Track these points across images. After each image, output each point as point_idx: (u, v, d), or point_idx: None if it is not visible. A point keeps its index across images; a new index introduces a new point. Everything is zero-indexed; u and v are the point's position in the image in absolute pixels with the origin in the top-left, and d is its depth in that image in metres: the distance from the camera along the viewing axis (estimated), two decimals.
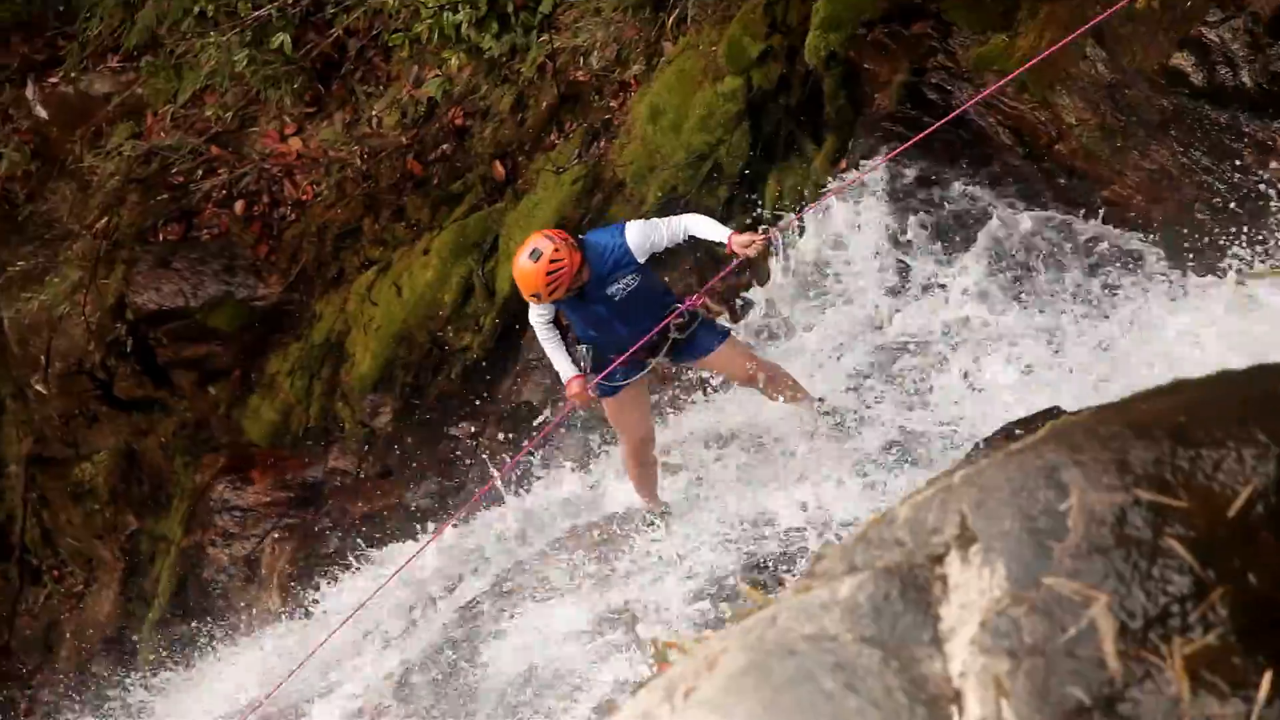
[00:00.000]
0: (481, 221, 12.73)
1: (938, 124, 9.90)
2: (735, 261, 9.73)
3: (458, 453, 12.07)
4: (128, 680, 13.37)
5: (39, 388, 14.98)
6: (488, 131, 13.12)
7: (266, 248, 13.98)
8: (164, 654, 13.26)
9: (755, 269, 11.08)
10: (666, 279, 10.49)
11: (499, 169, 12.96)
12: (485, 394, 11.95)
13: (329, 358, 13.32)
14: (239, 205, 14.16)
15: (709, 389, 11.08)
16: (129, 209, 14.51)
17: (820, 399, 10.25)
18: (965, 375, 10.16)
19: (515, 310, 12.15)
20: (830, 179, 10.89)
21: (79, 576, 15.05)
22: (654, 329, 9.60)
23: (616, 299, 9.45)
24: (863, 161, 10.79)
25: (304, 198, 13.91)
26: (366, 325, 13.00)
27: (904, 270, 10.74)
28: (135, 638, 13.93)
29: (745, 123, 11.54)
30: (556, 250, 9.18)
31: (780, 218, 10.81)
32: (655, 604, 9.65)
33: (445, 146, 13.35)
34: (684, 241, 9.70)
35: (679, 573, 9.83)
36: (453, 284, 12.59)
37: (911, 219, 10.71)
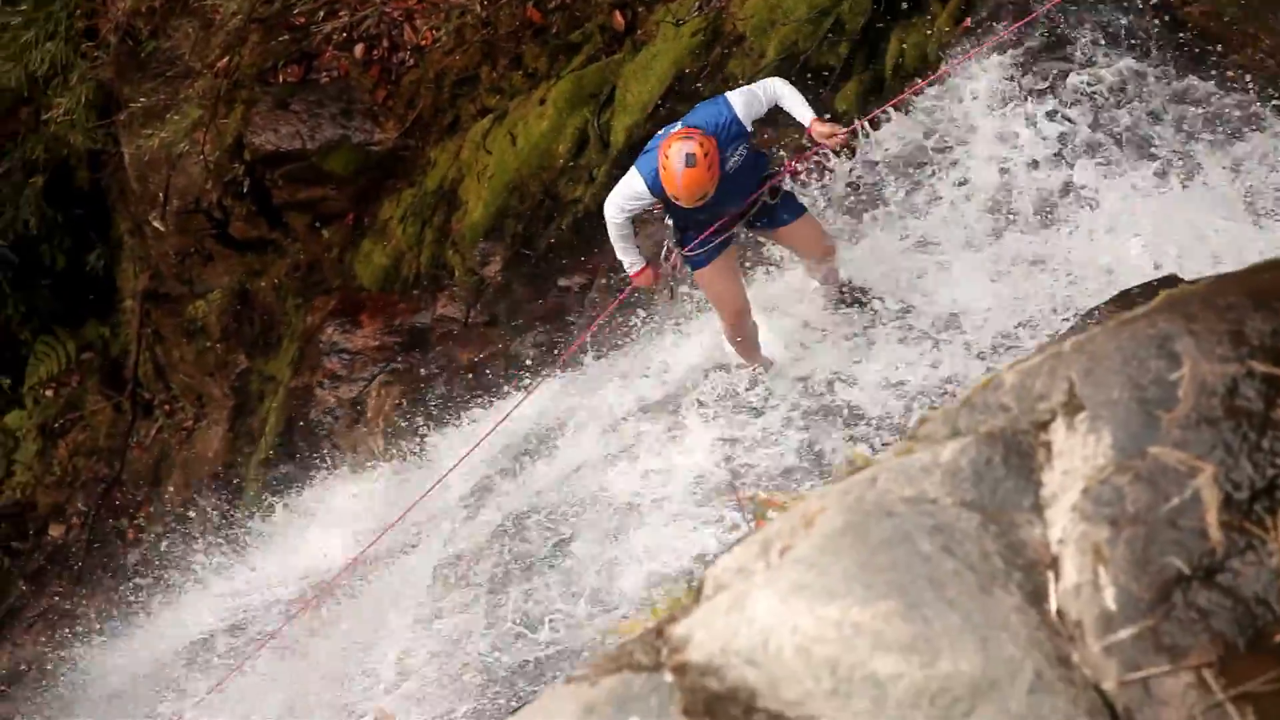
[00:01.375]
0: (599, 72, 12.62)
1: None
2: (814, 150, 9.60)
3: (566, 304, 12.08)
4: (233, 515, 13.64)
5: (156, 224, 15.15)
6: None
7: (384, 93, 13.97)
8: (269, 492, 13.48)
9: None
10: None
11: (619, 19, 12.82)
12: (596, 247, 11.90)
13: (441, 205, 13.33)
14: (359, 49, 14.13)
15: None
16: (250, 49, 14.53)
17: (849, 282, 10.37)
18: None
19: (628, 164, 12.08)
20: (953, 40, 10.69)
21: (189, 412, 15.30)
22: (754, 194, 9.53)
23: (730, 172, 9.26)
24: (993, 24, 10.59)
25: (423, 43, 13.85)
26: (480, 173, 12.98)
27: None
28: (241, 474, 14.16)
29: None
30: (702, 147, 8.95)
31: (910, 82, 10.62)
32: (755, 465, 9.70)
33: None
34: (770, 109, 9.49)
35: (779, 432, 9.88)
36: (568, 134, 12.53)
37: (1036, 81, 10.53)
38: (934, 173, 10.69)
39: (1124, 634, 2.96)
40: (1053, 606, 3.05)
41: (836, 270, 10.28)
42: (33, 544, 15.67)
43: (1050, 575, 3.10)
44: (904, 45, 11.08)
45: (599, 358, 11.54)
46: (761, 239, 10.49)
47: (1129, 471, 3.15)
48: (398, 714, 9.70)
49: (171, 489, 14.96)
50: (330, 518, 12.40)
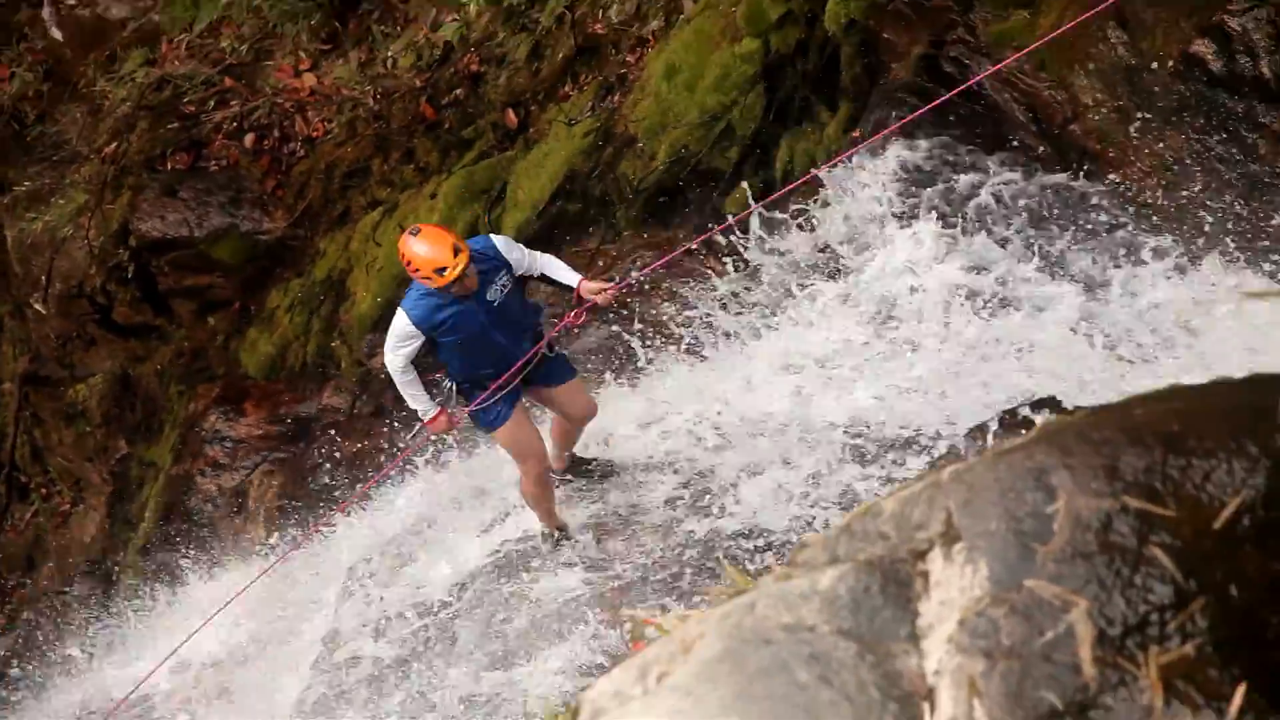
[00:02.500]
0: (491, 169, 12.68)
1: (952, 92, 9.89)
2: (585, 305, 9.57)
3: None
4: (108, 604, 13.42)
5: (38, 307, 14.99)
6: (502, 79, 13.07)
7: (274, 182, 13.95)
8: (145, 580, 13.29)
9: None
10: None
11: (511, 117, 12.91)
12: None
13: (329, 295, 13.30)
14: (249, 138, 14.13)
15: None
16: (138, 135, 14.48)
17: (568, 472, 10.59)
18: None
19: None
20: (838, 146, 10.83)
21: (66, 496, 15.08)
22: (532, 348, 9.58)
23: (495, 303, 9.27)
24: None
25: (314, 134, 13.87)
26: (369, 265, 12.97)
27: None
28: (119, 561, 13.95)
29: (760, 85, 11.49)
30: (448, 231, 9.07)
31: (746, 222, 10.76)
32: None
33: (459, 91, 13.30)
34: (534, 277, 9.61)
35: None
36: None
37: (919, 190, 10.67)
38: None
39: None
40: None
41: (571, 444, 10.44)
42: None
43: (926, 707, 3.11)
44: (793, 151, 11.21)
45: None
46: (530, 400, 10.38)
47: (1005, 604, 3.17)
48: None
49: (47, 574, 14.70)
50: (207, 607, 12.20)
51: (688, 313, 11.04)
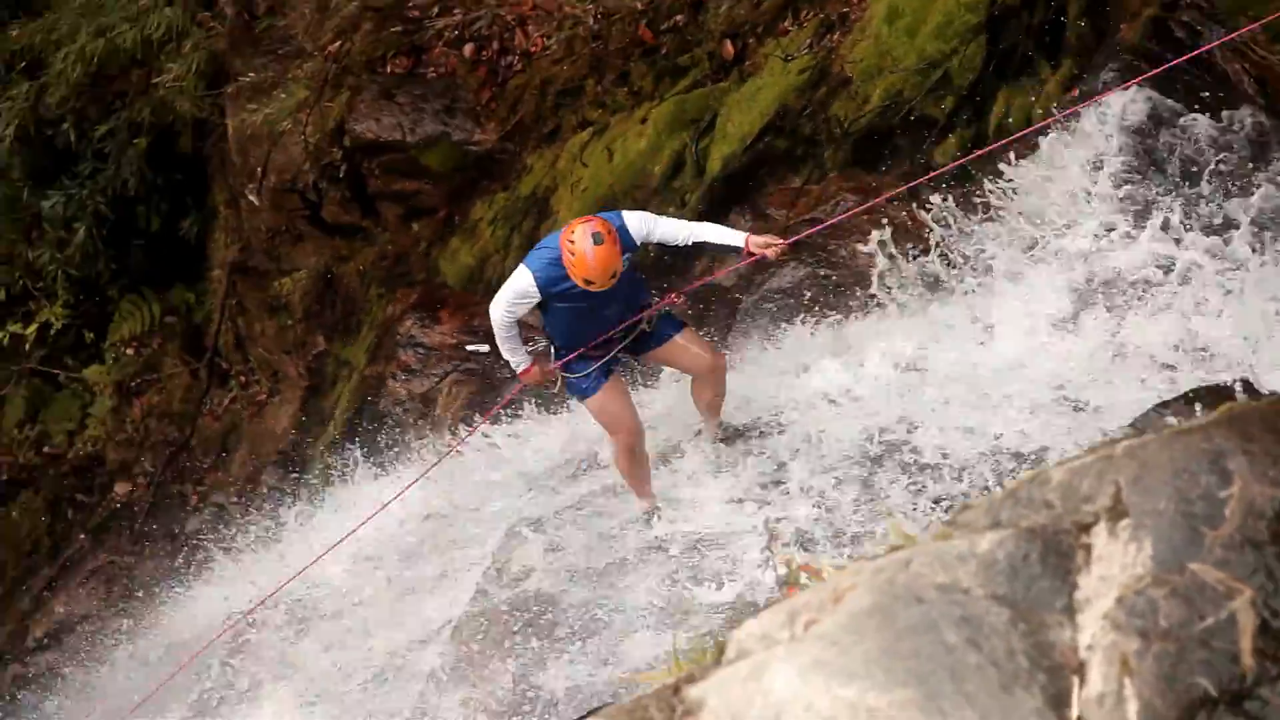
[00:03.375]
0: (703, 98, 12.64)
1: (1182, 58, 9.64)
2: (750, 259, 9.53)
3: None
4: (295, 494, 13.71)
5: (252, 199, 15.29)
6: (723, 8, 12.97)
7: (489, 94, 14.04)
8: (331, 474, 13.54)
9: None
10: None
11: (729, 48, 12.83)
12: (674, 274, 11.89)
13: (532, 211, 13.38)
14: (468, 48, 14.21)
15: None
16: (362, 36, 14.64)
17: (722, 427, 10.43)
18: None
19: (722, 194, 12.10)
20: (1056, 105, 10.62)
21: (264, 387, 15.42)
22: (633, 318, 9.61)
23: (614, 282, 9.21)
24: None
25: (532, 49, 13.92)
26: (574, 185, 13.02)
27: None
28: (308, 454, 14.23)
29: (983, 36, 11.28)
30: (605, 226, 9.00)
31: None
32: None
33: (679, 18, 13.25)
34: (685, 246, 9.57)
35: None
36: (664, 156, 12.55)
37: (1139, 155, 10.45)
38: None
39: None
40: (1074, 713, 3.02)
41: (723, 390, 10.24)
42: (98, 499, 15.83)
43: (1075, 681, 3.07)
44: (1010, 106, 11.02)
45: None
46: (647, 362, 10.50)
47: (1166, 585, 3.11)
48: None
49: (239, 459, 15.06)
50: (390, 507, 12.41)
51: (887, 258, 10.92)
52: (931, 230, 10.81)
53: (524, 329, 9.78)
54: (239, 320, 15.92)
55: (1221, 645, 3.05)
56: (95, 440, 16.23)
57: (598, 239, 8.88)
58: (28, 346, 16.28)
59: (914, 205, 10.97)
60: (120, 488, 15.83)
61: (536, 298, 9.33)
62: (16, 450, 16.43)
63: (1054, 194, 10.64)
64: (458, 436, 11.91)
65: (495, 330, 9.65)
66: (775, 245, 9.31)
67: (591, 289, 9.07)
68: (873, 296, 10.82)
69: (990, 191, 10.70)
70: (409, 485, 11.10)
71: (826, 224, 10.42)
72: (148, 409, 16.19)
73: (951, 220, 10.82)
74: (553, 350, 9.89)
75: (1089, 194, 10.46)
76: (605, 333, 9.60)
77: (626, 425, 9.99)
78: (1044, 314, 10.28)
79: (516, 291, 9.35)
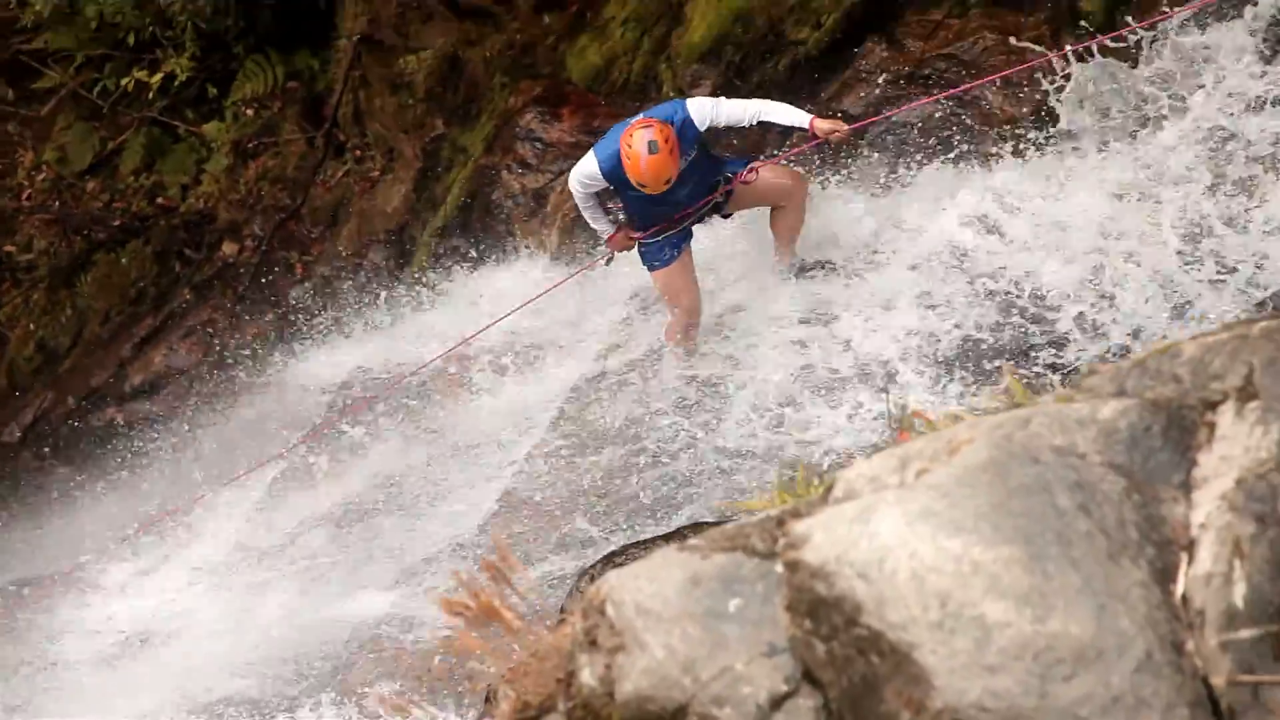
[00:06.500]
0: None
1: None
2: (814, 141, 9.84)
3: (764, 141, 11.92)
4: (399, 275, 13.80)
5: None
6: None
7: None
8: (437, 261, 13.61)
9: None
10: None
11: None
12: (805, 95, 11.74)
13: (666, 16, 13.17)
14: None
15: None
16: None
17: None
18: None
19: (858, 19, 11.87)
20: None
21: (378, 164, 15.40)
22: (708, 197, 9.96)
23: (684, 170, 9.62)
24: None
25: None
26: None
27: None
28: (415, 237, 14.28)
29: None
30: (662, 133, 9.32)
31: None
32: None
33: None
34: (751, 125, 9.90)
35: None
36: None
37: None
38: None
39: (1246, 634, 2.91)
40: (1179, 590, 3.00)
41: (803, 217, 10.42)
42: (205, 256, 15.93)
43: (1183, 558, 3.04)
44: None
45: None
46: (731, 215, 10.58)
47: None
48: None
49: (347, 234, 15.12)
50: (489, 301, 12.48)
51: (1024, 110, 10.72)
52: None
53: (609, 207, 10.18)
54: (360, 93, 15.85)
55: None
56: (208, 197, 16.29)
57: (653, 148, 9.29)
58: (151, 95, 16.30)
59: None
60: (228, 247, 15.92)
61: (603, 184, 9.82)
62: (130, 198, 16.53)
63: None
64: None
65: (576, 201, 10.15)
66: (840, 130, 9.63)
67: (645, 192, 9.50)
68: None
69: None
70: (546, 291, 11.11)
71: (890, 113, 10.74)
72: (262, 172, 16.22)
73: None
74: (627, 220, 10.28)
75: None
76: (679, 213, 9.93)
77: (687, 303, 10.38)
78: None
79: (585, 174, 9.89)
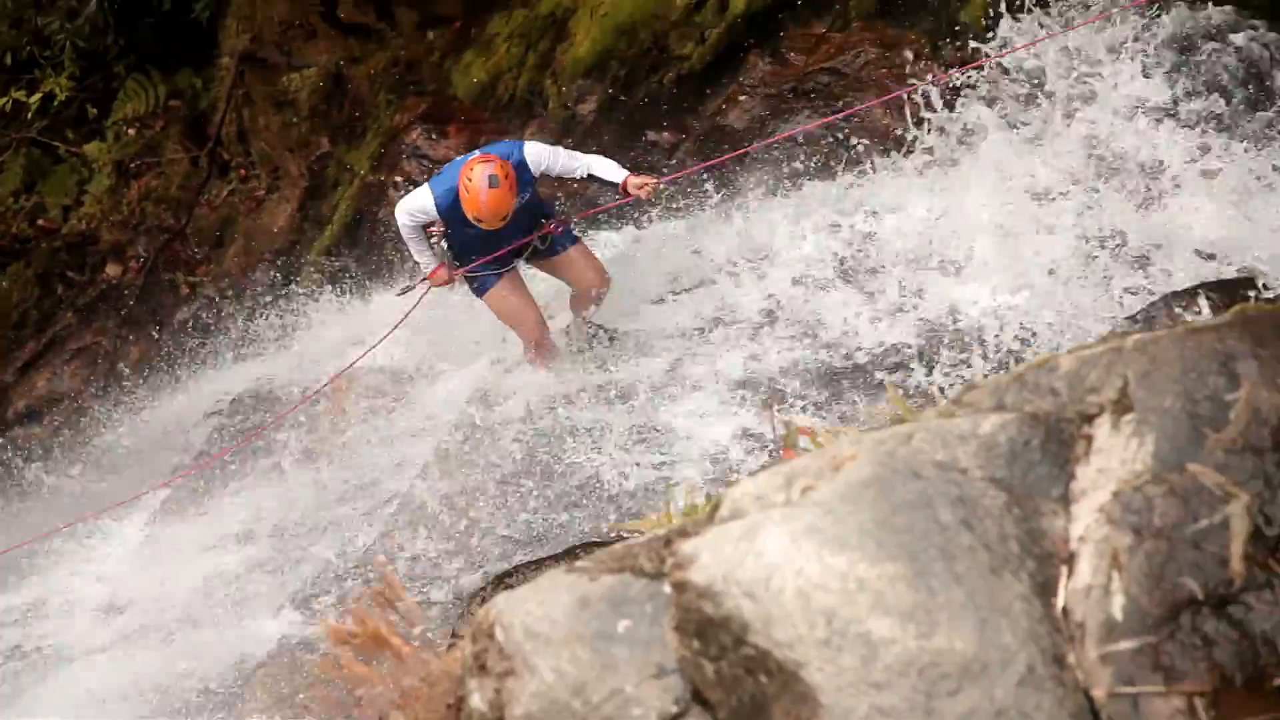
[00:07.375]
0: None
1: None
2: (626, 198, 10.01)
3: (652, 158, 11.98)
4: (285, 295, 13.69)
5: None
6: None
7: None
8: (323, 280, 13.52)
9: None
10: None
11: None
12: (691, 109, 11.80)
13: (550, 32, 13.18)
14: None
15: None
16: None
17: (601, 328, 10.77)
18: None
19: (742, 32, 11.92)
20: None
21: (263, 182, 15.29)
22: (526, 238, 10.15)
23: (515, 210, 9.78)
24: None
25: None
26: (594, 9, 12.82)
27: None
28: (302, 256, 14.18)
29: None
30: (502, 169, 9.52)
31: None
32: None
33: None
34: (581, 178, 10.10)
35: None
36: None
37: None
38: None
39: (1124, 646, 2.95)
40: (1060, 603, 3.04)
41: (601, 302, 10.64)
42: (89, 278, 15.75)
43: (1064, 570, 3.09)
44: None
45: None
46: (538, 270, 10.74)
47: (1164, 484, 3.12)
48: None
49: (233, 254, 14.99)
50: (378, 320, 12.40)
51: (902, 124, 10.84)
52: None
53: (429, 232, 10.21)
54: (244, 112, 15.73)
55: (1212, 548, 3.07)
56: (90, 218, 16.10)
57: (493, 182, 9.43)
58: (29, 115, 16.09)
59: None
60: (112, 269, 15.74)
61: (434, 217, 9.94)
62: (11, 220, 16.30)
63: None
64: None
65: (402, 233, 10.20)
66: (648, 185, 9.78)
67: (481, 226, 9.65)
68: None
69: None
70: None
71: (712, 162, 10.80)
72: (145, 192, 16.05)
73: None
74: (448, 252, 10.35)
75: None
76: (500, 249, 10.07)
77: (525, 320, 10.55)
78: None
79: (417, 206, 10.00)
